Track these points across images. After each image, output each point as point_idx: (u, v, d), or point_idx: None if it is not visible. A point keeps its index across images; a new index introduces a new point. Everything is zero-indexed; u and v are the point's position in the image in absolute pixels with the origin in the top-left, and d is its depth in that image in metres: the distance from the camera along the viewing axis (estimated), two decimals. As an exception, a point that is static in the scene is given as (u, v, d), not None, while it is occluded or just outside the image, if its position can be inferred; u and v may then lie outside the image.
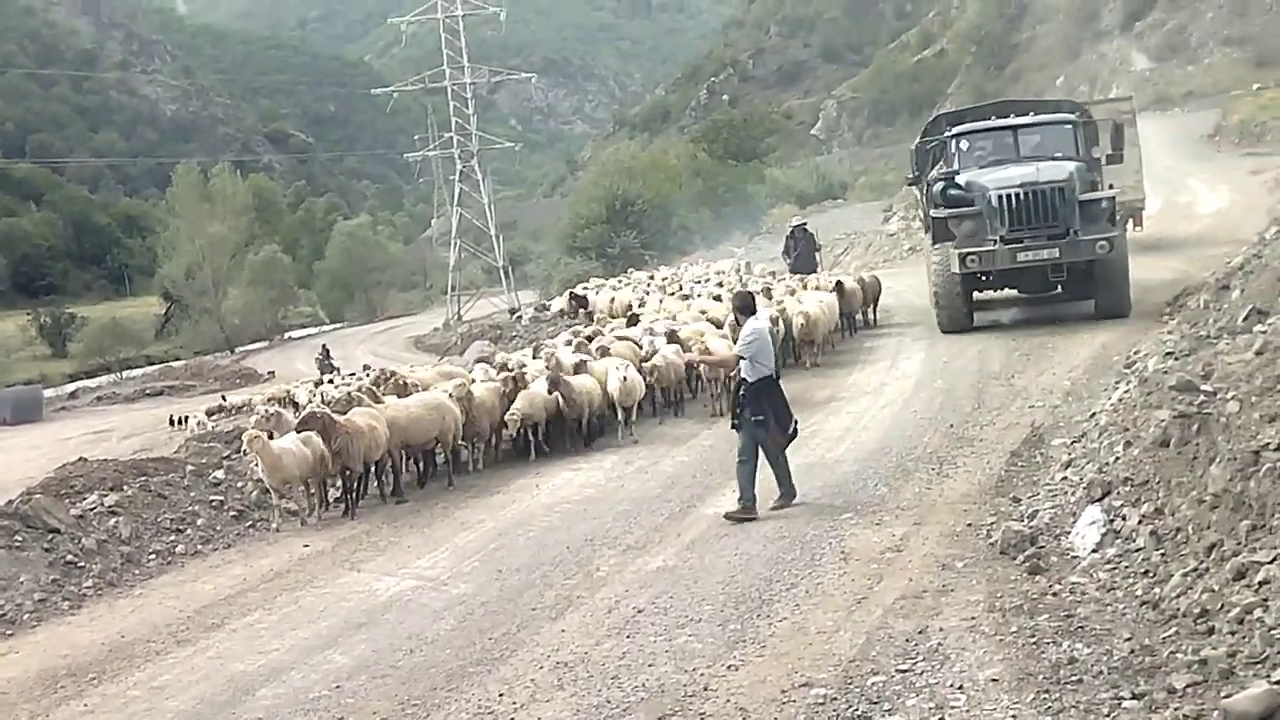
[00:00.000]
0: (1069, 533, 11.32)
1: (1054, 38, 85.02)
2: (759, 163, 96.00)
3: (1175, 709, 7.42)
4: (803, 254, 37.29)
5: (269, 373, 64.08)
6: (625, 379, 20.35)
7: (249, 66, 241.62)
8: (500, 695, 9.64)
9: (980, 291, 26.85)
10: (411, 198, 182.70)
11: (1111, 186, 26.75)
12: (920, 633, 9.63)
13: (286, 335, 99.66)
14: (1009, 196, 24.10)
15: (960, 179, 25.77)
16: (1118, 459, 12.46)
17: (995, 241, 24.28)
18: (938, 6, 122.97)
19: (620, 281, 44.85)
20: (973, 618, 9.80)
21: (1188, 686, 7.64)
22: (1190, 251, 30.73)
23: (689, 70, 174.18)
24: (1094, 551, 10.83)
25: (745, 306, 14.96)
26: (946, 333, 25.83)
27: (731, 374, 15.68)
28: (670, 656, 9.91)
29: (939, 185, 26.09)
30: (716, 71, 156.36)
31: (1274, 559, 8.33)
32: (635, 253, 70.17)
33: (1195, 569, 9.30)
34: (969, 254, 24.36)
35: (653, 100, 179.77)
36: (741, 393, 14.26)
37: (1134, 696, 7.77)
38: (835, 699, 8.57)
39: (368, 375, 28.36)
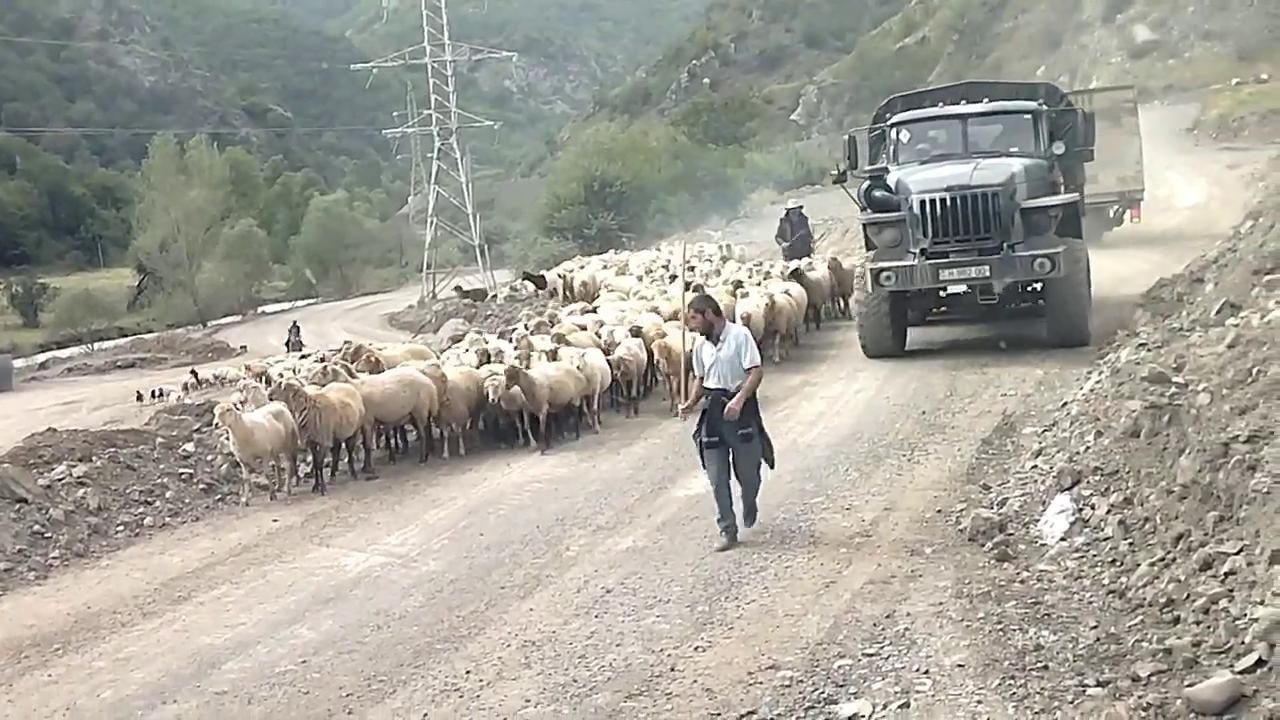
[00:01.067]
0: (1038, 521, 11.36)
1: (1036, 27, 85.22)
2: (739, 147, 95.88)
3: (1139, 697, 7.44)
4: (799, 237, 35.50)
5: (241, 347, 63.95)
6: (583, 367, 19.43)
7: (229, 39, 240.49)
8: (467, 673, 9.63)
9: (912, 311, 23.25)
10: (389, 174, 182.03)
11: (1070, 188, 22.99)
12: (888, 617, 9.65)
13: (260, 310, 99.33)
14: (933, 202, 20.50)
15: (893, 177, 22.15)
16: (1088, 448, 12.50)
17: (917, 255, 20.70)
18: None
19: (607, 261, 43.84)
20: (940, 603, 9.82)
21: (1152, 675, 7.67)
22: (1168, 244, 30.82)
23: (670, 52, 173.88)
24: (1062, 540, 10.87)
25: (718, 309, 12.60)
26: (871, 358, 22.33)
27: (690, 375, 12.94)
28: (638, 637, 9.91)
29: (865, 184, 22.55)
30: (698, 54, 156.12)
31: (1240, 550, 8.37)
32: (613, 234, 70.07)
33: (1162, 559, 9.34)
34: (884, 270, 20.85)
35: (633, 82, 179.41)
36: (723, 403, 12.02)
37: (1099, 684, 7.80)
38: (801, 681, 8.58)
39: (339, 351, 28.03)
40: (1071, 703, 7.64)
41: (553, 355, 19.96)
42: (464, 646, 10.26)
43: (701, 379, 12.38)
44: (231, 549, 14.80)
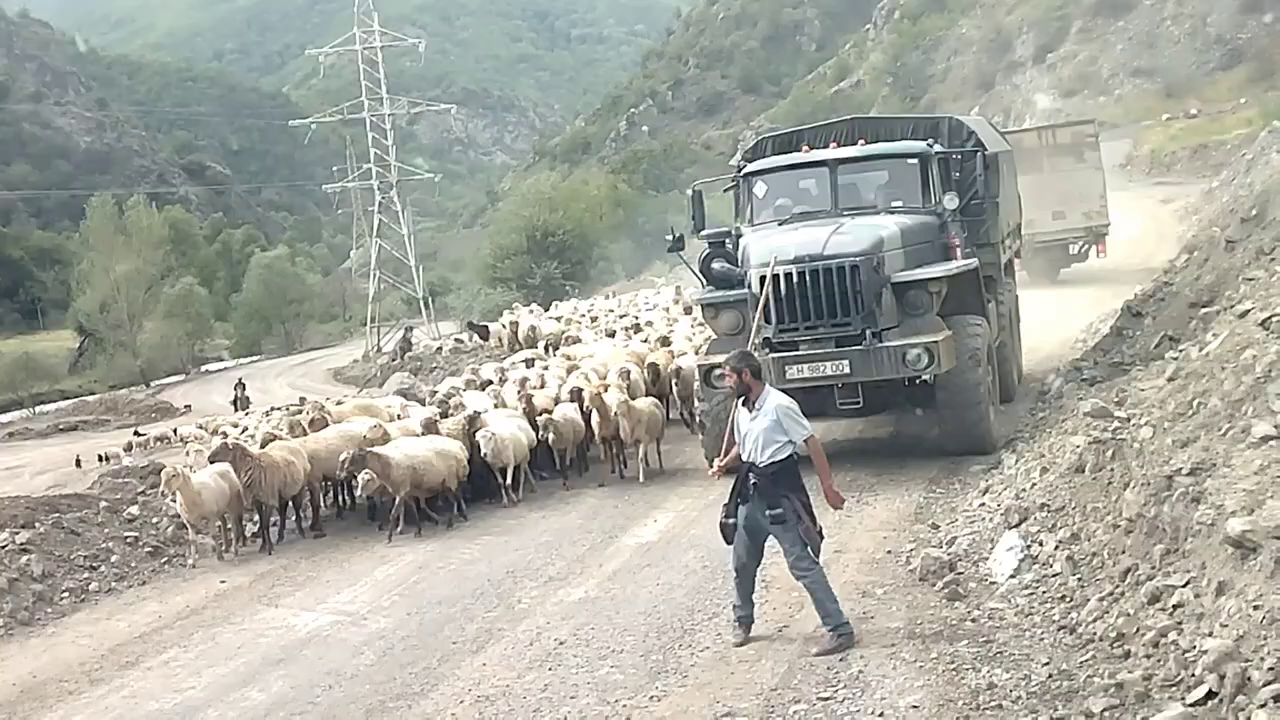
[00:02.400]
0: (987, 559, 11.42)
1: (969, 69, 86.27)
2: (679, 193, 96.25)
3: (1093, 733, 7.48)
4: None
5: (185, 406, 63.33)
6: (492, 436, 17.59)
7: (165, 98, 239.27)
8: (421, 730, 9.55)
9: None
10: (330, 229, 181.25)
11: (972, 249, 18.25)
12: (841, 660, 9.67)
13: (203, 368, 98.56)
14: (776, 278, 15.92)
15: (746, 241, 17.64)
16: (1034, 485, 12.61)
17: (758, 347, 15.54)
18: (854, 38, 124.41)
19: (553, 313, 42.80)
20: (893, 645, 9.85)
21: (1105, 710, 7.71)
22: (1105, 280, 31.15)
23: (608, 101, 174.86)
24: (1012, 577, 10.93)
25: (759, 370, 10.83)
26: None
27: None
28: (592, 688, 9.87)
29: (704, 253, 18.11)
30: (636, 102, 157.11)
31: (1187, 582, 8.44)
32: (556, 283, 70.13)
33: (1111, 593, 9.41)
34: (717, 367, 15.45)
35: (573, 131, 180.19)
36: (753, 481, 10.48)
37: (1052, 721, 7.83)
38: (757, 728, 8.57)
39: (289, 410, 27.77)
40: (1026, 740, 7.67)
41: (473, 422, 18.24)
42: (417, 704, 10.18)
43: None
44: (179, 612, 14.63)
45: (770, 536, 10.46)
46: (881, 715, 8.45)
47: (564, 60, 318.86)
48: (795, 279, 15.92)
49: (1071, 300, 28.29)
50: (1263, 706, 6.70)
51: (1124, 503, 10.20)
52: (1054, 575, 10.55)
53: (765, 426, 10.27)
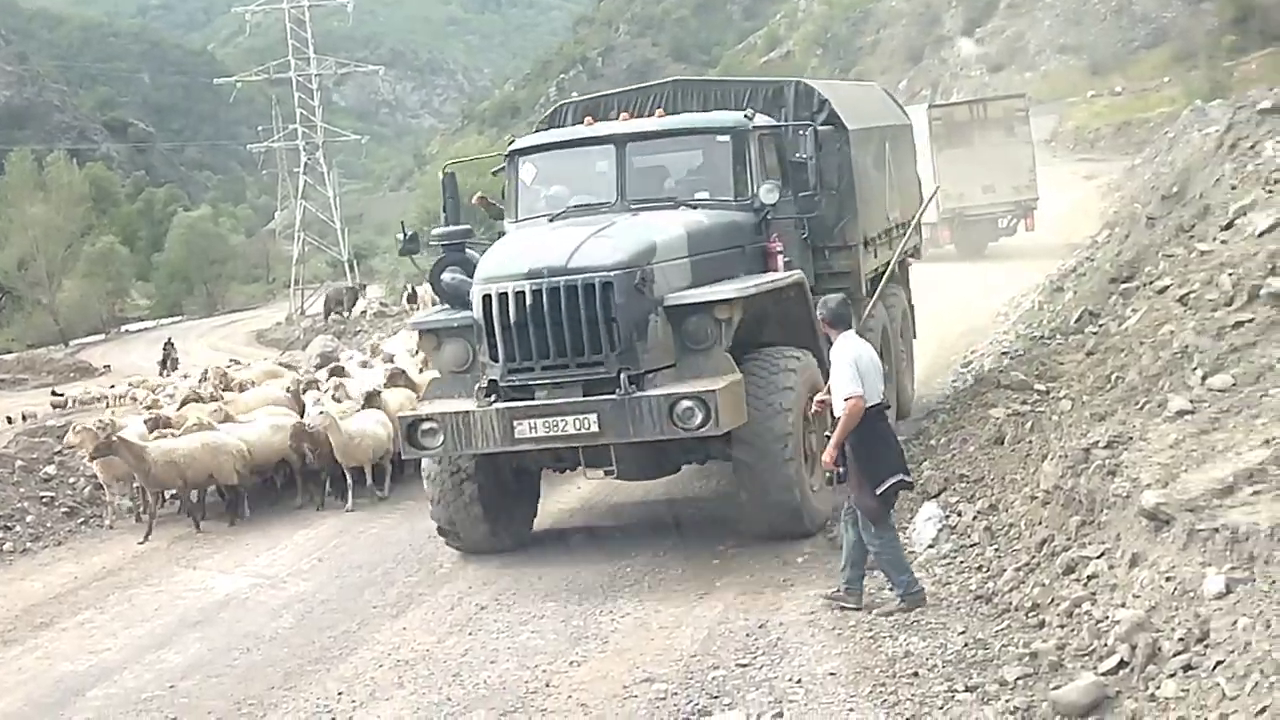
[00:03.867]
0: (907, 528, 11.51)
1: (898, 41, 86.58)
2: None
3: (1006, 701, 7.58)
4: None
5: (105, 366, 62.49)
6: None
7: (86, 53, 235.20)
8: (339, 694, 9.51)
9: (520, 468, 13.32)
10: (254, 190, 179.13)
11: (804, 255, 13.99)
12: (760, 627, 9.73)
13: (123, 328, 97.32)
14: (504, 298, 11.66)
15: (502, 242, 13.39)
16: (954, 456, 12.73)
17: (483, 393, 11.86)
18: (784, 9, 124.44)
19: None
20: (812, 612, 9.93)
21: (1019, 679, 7.81)
22: (1028, 254, 31.41)
23: (538, 66, 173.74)
24: (930, 547, 11.04)
25: (841, 318, 10.19)
26: (468, 553, 13.14)
27: None
28: (513, 653, 9.88)
29: (437, 259, 13.97)
30: (566, 68, 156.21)
31: (1102, 554, 8.56)
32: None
33: (1027, 564, 9.53)
34: (425, 422, 12.10)
35: (502, 95, 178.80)
36: (826, 432, 10.34)
37: (967, 689, 7.93)
38: (676, 694, 8.61)
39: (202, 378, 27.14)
40: (941, 708, 7.76)
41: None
42: (335, 667, 10.13)
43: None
44: (95, 573, 14.47)
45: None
46: (799, 682, 8.51)
47: (494, 24, 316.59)
48: (529, 301, 11.37)
49: (995, 274, 28.51)
50: (1172, 676, 6.82)
51: (1041, 474, 10.33)
52: (972, 545, 10.67)
53: (834, 376, 9.94)
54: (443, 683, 9.42)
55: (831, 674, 8.57)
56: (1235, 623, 6.71)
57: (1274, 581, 6.72)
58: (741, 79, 16.43)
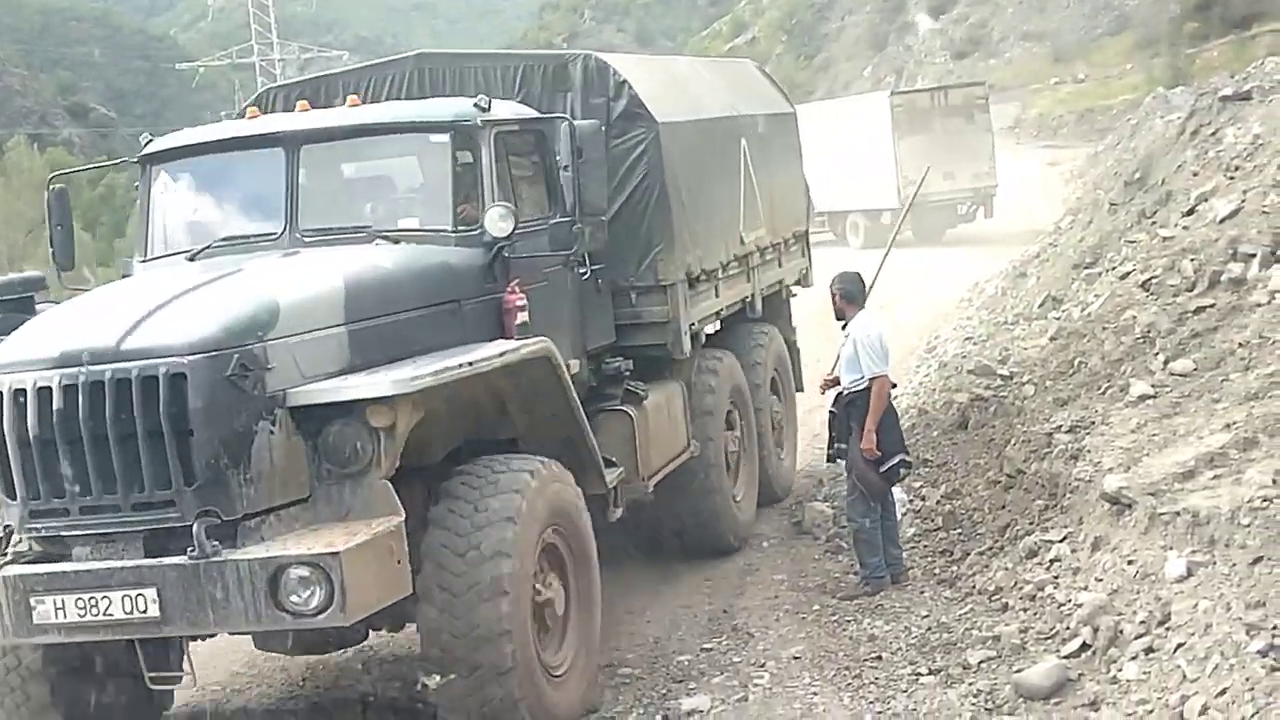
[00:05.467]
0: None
1: (862, 28, 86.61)
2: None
3: (970, 684, 7.61)
4: None
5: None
6: None
7: (47, 37, 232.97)
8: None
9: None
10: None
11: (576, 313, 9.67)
12: (724, 612, 9.74)
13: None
14: (22, 397, 6.89)
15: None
16: (918, 441, 12.74)
17: None
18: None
19: None
20: (776, 596, 9.95)
21: (982, 662, 7.85)
22: (992, 240, 31.49)
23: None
24: (894, 531, 11.05)
25: (855, 294, 10.05)
26: None
27: None
28: (477, 639, 9.82)
29: None
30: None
31: (1064, 538, 8.61)
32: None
33: (990, 548, 9.58)
34: None
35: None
36: (832, 410, 10.21)
37: (931, 672, 7.96)
38: (641, 679, 8.61)
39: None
40: (905, 691, 7.78)
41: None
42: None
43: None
44: None
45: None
46: (764, 666, 8.52)
47: (459, 9, 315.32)
48: (60, 403, 6.81)
49: (958, 260, 28.58)
50: (1133, 659, 6.86)
51: (1005, 459, 10.38)
52: (935, 530, 10.71)
53: (848, 355, 9.82)
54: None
55: (796, 658, 8.58)
56: (1196, 605, 6.76)
57: (1234, 565, 6.77)
58: (512, 53, 12.28)
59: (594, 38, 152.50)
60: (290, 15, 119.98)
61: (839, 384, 10.10)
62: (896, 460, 9.77)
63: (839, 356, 10.06)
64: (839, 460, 10.23)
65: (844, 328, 10.02)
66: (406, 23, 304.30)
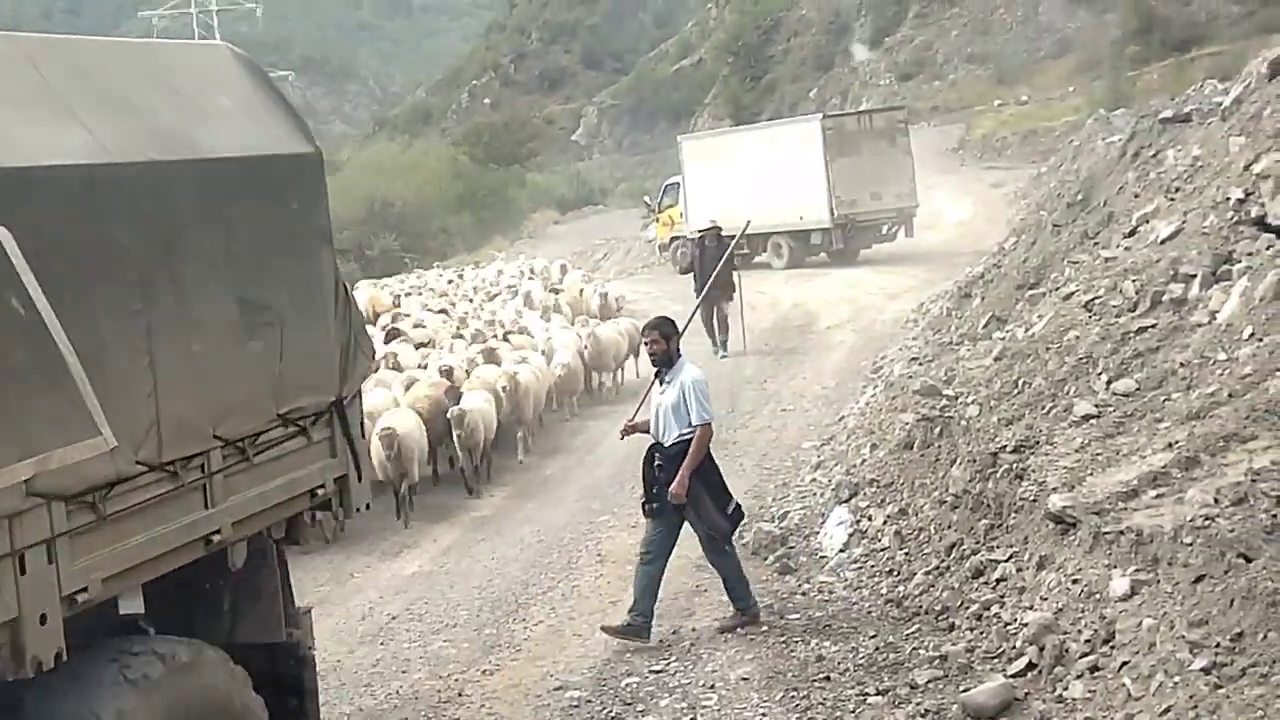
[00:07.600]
0: (818, 533, 11.58)
1: (808, 50, 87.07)
2: (520, 167, 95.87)
3: (917, 704, 7.65)
4: (710, 268, 19.83)
5: None
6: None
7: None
8: (249, 705, 9.30)
9: None
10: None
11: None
12: (674, 633, 9.74)
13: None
14: None
15: None
16: (864, 461, 12.81)
17: None
18: (696, 17, 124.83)
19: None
20: (725, 618, 9.94)
21: (929, 682, 7.89)
22: (936, 260, 31.69)
23: (450, 73, 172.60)
24: (841, 551, 11.11)
25: (673, 334, 10.11)
26: None
27: None
28: (425, 662, 9.82)
29: None
30: (478, 75, 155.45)
31: (1010, 557, 8.66)
32: (395, 255, 69.36)
33: (937, 567, 9.62)
34: None
35: (413, 101, 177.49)
36: (658, 462, 9.82)
37: (879, 692, 7.99)
38: (590, 701, 8.61)
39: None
40: (853, 712, 7.81)
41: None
42: (246, 678, 9.92)
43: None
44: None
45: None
46: (713, 687, 8.53)
47: (405, 29, 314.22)
48: None
49: (903, 280, 28.76)
50: (1079, 677, 6.91)
51: (950, 479, 10.42)
52: (882, 550, 10.75)
53: (671, 403, 9.72)
54: (354, 693, 9.34)
55: (744, 679, 8.59)
56: (1140, 624, 6.82)
57: (1177, 583, 6.83)
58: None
59: (541, 59, 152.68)
60: (235, 35, 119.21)
61: (644, 431, 10.11)
62: (735, 504, 9.89)
63: (655, 406, 9.94)
64: (658, 515, 9.87)
65: (660, 378, 9.98)
66: (353, 41, 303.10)
